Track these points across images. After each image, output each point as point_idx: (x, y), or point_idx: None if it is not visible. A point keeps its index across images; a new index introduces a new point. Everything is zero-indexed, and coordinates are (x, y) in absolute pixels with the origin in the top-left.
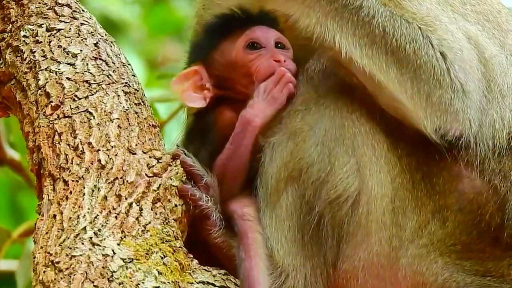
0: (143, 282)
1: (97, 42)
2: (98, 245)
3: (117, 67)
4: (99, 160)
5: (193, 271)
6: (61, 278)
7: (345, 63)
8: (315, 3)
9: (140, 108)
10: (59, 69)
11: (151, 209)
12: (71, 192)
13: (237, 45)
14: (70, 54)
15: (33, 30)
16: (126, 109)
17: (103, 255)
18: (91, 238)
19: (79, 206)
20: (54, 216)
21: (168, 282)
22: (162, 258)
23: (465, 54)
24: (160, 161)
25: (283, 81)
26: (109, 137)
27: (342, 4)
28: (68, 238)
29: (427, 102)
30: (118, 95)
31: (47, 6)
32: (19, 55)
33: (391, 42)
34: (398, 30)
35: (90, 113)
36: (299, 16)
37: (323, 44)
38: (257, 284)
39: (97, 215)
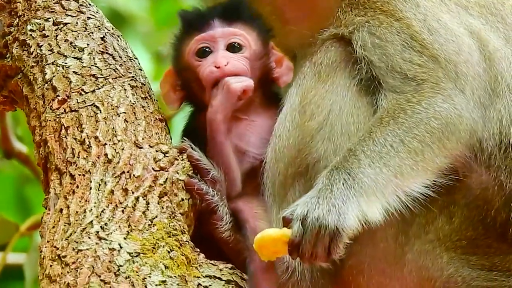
0: (149, 276)
1: (104, 36)
2: (104, 239)
3: (124, 61)
4: (106, 154)
5: (199, 265)
6: (68, 272)
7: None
8: (376, 191)
9: (146, 102)
10: (65, 63)
11: (158, 203)
12: (77, 186)
13: (188, 51)
14: (76, 48)
15: (40, 24)
16: (133, 103)
17: (109, 249)
18: (97, 232)
19: (86, 200)
20: (61, 210)
21: (175, 276)
22: (168, 252)
23: (464, 54)
24: (166, 155)
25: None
26: (115, 131)
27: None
28: (75, 232)
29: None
30: (125, 89)
31: (53, 0)
32: (26, 49)
33: (423, 138)
34: (419, 123)
35: (97, 107)
36: (365, 219)
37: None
38: None
39: (104, 209)
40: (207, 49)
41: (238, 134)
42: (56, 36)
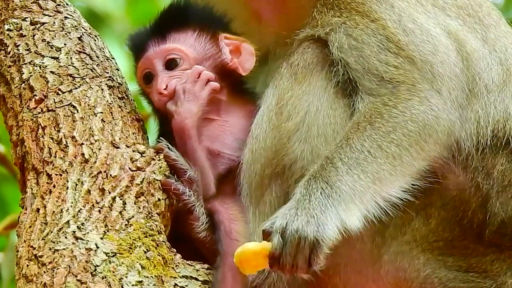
0: (126, 276)
1: (81, 36)
2: (81, 239)
3: (101, 61)
4: (83, 154)
5: (176, 266)
6: (44, 272)
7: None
8: (348, 202)
9: (124, 102)
10: (43, 62)
11: (135, 203)
12: (54, 186)
13: (138, 78)
14: (54, 48)
15: (17, 23)
16: (110, 103)
17: (86, 249)
18: (74, 232)
19: (63, 200)
20: (38, 210)
21: (151, 276)
22: (145, 252)
23: (441, 54)
24: (143, 155)
25: (202, 78)
26: (92, 131)
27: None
28: (52, 232)
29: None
30: (102, 89)
31: (31, 0)
32: (3, 48)
33: (400, 144)
34: (394, 131)
35: (74, 107)
36: (342, 226)
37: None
38: None
39: (81, 209)
40: (150, 74)
41: (209, 137)
42: (34, 35)
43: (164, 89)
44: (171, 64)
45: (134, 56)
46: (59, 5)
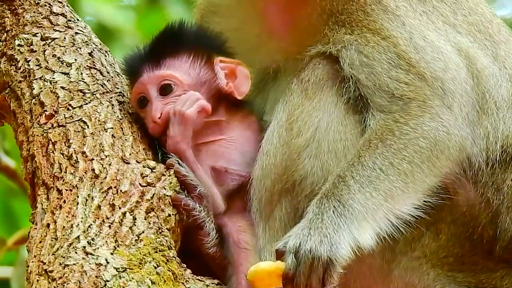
0: None
1: (91, 52)
2: (91, 254)
3: (112, 77)
4: (93, 170)
5: (186, 281)
6: (54, 287)
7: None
8: (361, 220)
9: (134, 118)
10: (53, 78)
11: (145, 219)
12: (64, 201)
13: (132, 101)
14: (64, 63)
15: (28, 39)
16: (120, 119)
17: (96, 264)
18: (84, 247)
19: (73, 215)
20: (48, 225)
21: None
22: (155, 267)
23: (451, 71)
24: (154, 170)
25: (191, 98)
26: (103, 147)
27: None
28: (62, 247)
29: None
30: (112, 105)
31: (42, 15)
32: (13, 64)
33: (412, 158)
34: (406, 147)
35: (84, 122)
36: (357, 241)
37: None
38: None
39: (91, 224)
40: (144, 98)
41: (213, 155)
42: (44, 51)
43: (159, 117)
44: (165, 90)
45: (129, 79)
46: (69, 20)
